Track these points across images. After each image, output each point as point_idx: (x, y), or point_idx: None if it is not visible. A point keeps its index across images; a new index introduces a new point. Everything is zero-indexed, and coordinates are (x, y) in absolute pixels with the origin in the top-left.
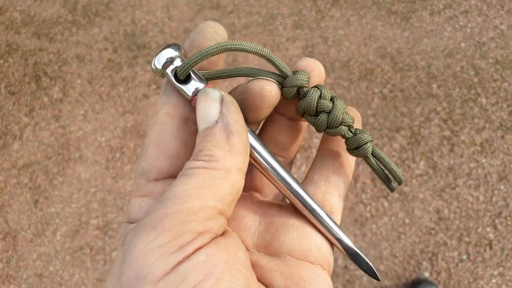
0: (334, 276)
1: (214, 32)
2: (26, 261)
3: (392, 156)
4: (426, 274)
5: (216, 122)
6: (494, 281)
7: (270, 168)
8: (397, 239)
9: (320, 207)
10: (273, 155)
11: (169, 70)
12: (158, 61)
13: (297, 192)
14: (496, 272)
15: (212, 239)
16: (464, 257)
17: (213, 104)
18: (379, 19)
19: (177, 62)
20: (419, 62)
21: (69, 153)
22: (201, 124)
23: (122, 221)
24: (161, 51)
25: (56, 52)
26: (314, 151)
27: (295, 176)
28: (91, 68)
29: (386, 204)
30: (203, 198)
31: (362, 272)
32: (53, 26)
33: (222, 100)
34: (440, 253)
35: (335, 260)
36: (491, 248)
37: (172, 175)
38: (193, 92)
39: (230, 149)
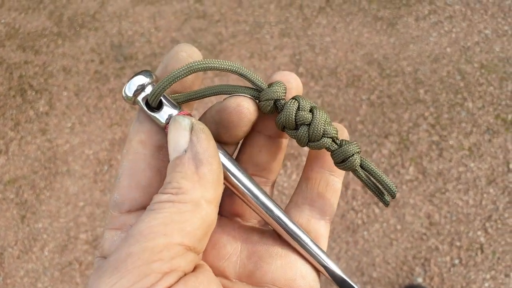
0: (328, 284)
1: (188, 56)
2: (14, 278)
3: (381, 162)
4: (419, 280)
5: (185, 151)
6: (486, 284)
7: (248, 193)
8: (389, 246)
9: (304, 233)
10: (251, 179)
11: (140, 98)
12: (129, 89)
13: (279, 217)
14: (488, 276)
15: (180, 278)
16: (456, 261)
17: (182, 132)
18: (365, 25)
19: (149, 89)
20: (406, 67)
21: (56, 167)
22: (172, 154)
23: (95, 255)
24: (131, 78)
25: (41, 64)
26: (304, 158)
27: (285, 185)
28: (77, 80)
29: (377, 210)
30: (169, 235)
31: (355, 280)
32: (38, 39)
33: (192, 128)
34: (432, 258)
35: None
36: (482, 251)
37: (145, 207)
38: (166, 119)
39: (199, 180)
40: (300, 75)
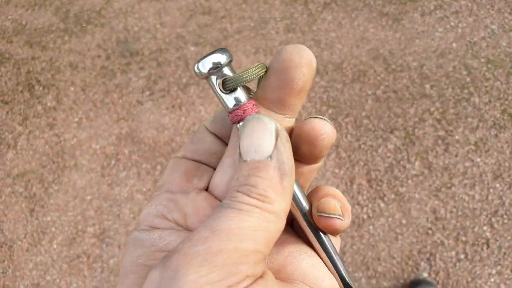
0: None
1: (309, 61)
2: (23, 271)
3: (387, 157)
4: (425, 275)
5: (270, 158)
6: (492, 280)
7: (302, 216)
8: (394, 240)
9: (335, 250)
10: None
11: (214, 78)
12: (203, 66)
13: (323, 242)
14: (494, 271)
15: (254, 282)
16: (462, 256)
17: (268, 136)
18: (371, 21)
19: (226, 71)
20: (412, 63)
21: (64, 161)
22: (249, 153)
23: (132, 230)
24: (208, 55)
25: (48, 60)
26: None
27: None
28: (84, 75)
29: (382, 205)
30: (257, 242)
31: (360, 274)
32: (45, 35)
33: (277, 134)
34: (437, 253)
35: None
36: (488, 247)
37: (182, 190)
38: (235, 104)
39: (282, 192)
40: None
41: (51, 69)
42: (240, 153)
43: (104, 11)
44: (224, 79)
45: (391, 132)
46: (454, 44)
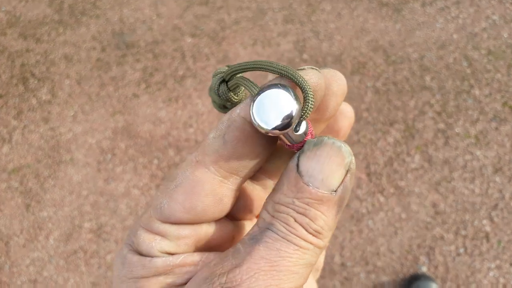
0: (332, 274)
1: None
2: (20, 267)
3: (386, 151)
4: (424, 269)
5: (335, 192)
6: (491, 274)
7: None
8: (394, 234)
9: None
10: None
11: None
12: (274, 125)
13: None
14: (493, 265)
15: None
16: (461, 250)
17: (340, 170)
18: (371, 11)
19: (295, 115)
20: (412, 54)
21: (59, 156)
22: (314, 180)
23: (126, 246)
24: (277, 105)
25: (43, 52)
26: None
27: None
28: (79, 68)
29: (382, 199)
30: (306, 277)
31: (359, 269)
32: (40, 27)
33: (349, 168)
34: (437, 247)
35: (332, 257)
36: (488, 241)
37: (190, 223)
38: (302, 137)
39: (333, 226)
40: (304, 62)
41: (45, 61)
42: (300, 171)
43: (99, 2)
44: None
45: (391, 125)
46: (454, 35)
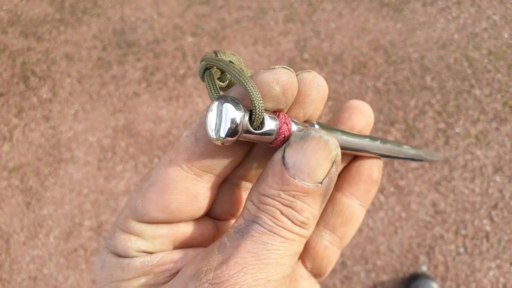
0: (332, 272)
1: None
2: (20, 264)
3: None
4: (424, 268)
5: (320, 184)
6: (491, 273)
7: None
8: (393, 234)
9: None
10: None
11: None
12: (224, 130)
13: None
14: (493, 265)
15: None
16: (461, 250)
17: (326, 163)
18: (372, 11)
19: (243, 119)
20: (412, 54)
21: (60, 154)
22: (300, 173)
23: (104, 247)
24: (213, 113)
25: (44, 51)
26: None
27: None
28: (80, 67)
29: (382, 198)
30: (292, 266)
31: (359, 268)
32: (41, 25)
33: (334, 160)
34: (437, 246)
35: None
36: (488, 240)
37: (165, 222)
38: (276, 133)
39: (318, 216)
40: (305, 61)
41: (46, 60)
42: (285, 163)
43: (101, 1)
44: (246, 125)
45: (391, 124)
46: (455, 35)
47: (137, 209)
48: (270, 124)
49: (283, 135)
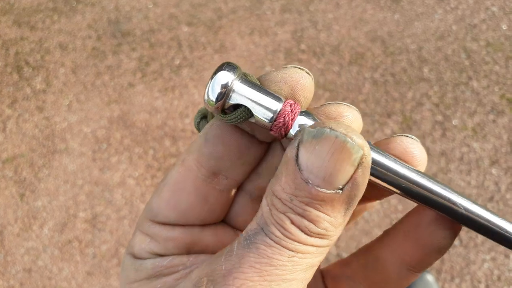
0: (326, 264)
1: (311, 91)
2: (14, 256)
3: None
4: None
5: (341, 190)
6: (486, 265)
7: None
8: (389, 226)
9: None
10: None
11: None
12: (212, 91)
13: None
14: (488, 257)
15: None
16: (456, 242)
17: (348, 168)
18: (369, 1)
19: (236, 91)
20: (410, 45)
21: (54, 145)
22: (315, 178)
23: (126, 251)
24: (213, 78)
25: (38, 41)
26: None
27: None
28: (74, 56)
29: None
30: (306, 280)
31: None
32: (34, 14)
33: (360, 163)
34: None
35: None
36: None
37: (178, 224)
38: (275, 113)
39: (342, 223)
40: (301, 52)
41: (40, 50)
42: (299, 163)
43: None
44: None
45: (388, 116)
46: (453, 27)
47: (152, 208)
48: (269, 100)
49: (283, 119)
